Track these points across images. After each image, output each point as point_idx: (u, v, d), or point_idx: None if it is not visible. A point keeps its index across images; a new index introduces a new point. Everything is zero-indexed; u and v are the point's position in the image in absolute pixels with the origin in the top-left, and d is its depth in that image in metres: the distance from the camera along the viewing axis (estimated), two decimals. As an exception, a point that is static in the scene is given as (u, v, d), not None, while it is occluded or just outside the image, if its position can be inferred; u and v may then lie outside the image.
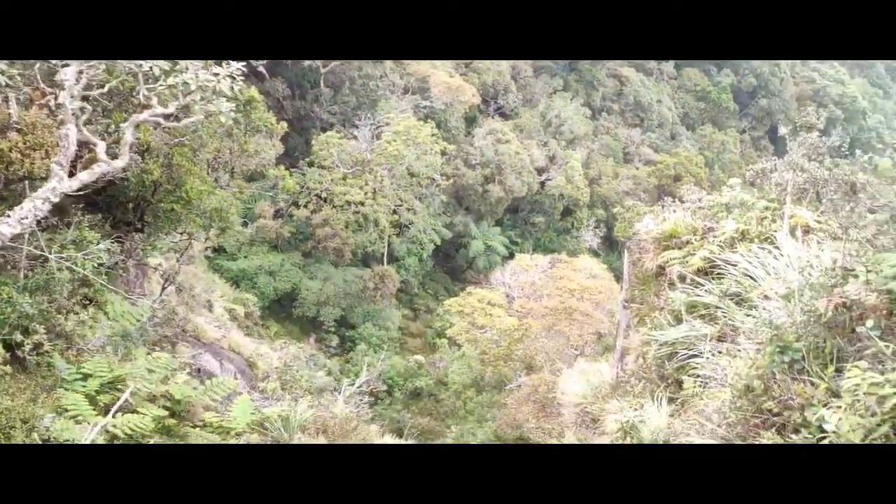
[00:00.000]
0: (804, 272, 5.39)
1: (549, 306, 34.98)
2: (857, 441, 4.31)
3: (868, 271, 5.22)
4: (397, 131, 42.25)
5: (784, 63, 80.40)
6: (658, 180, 59.59)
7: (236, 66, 7.10)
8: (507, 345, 32.91)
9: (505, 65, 60.17)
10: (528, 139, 56.63)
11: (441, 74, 52.55)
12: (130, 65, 7.27)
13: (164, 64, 6.74)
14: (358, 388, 16.56)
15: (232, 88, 7.16)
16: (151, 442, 7.80)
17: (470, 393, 33.66)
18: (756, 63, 79.38)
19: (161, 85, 6.88)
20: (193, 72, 6.74)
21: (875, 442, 4.29)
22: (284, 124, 24.92)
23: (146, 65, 6.95)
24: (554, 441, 17.52)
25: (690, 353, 8.76)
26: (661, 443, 4.44)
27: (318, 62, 46.08)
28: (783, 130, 10.04)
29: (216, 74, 6.94)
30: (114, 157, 7.88)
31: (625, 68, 70.92)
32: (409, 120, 43.79)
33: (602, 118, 66.90)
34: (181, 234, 14.68)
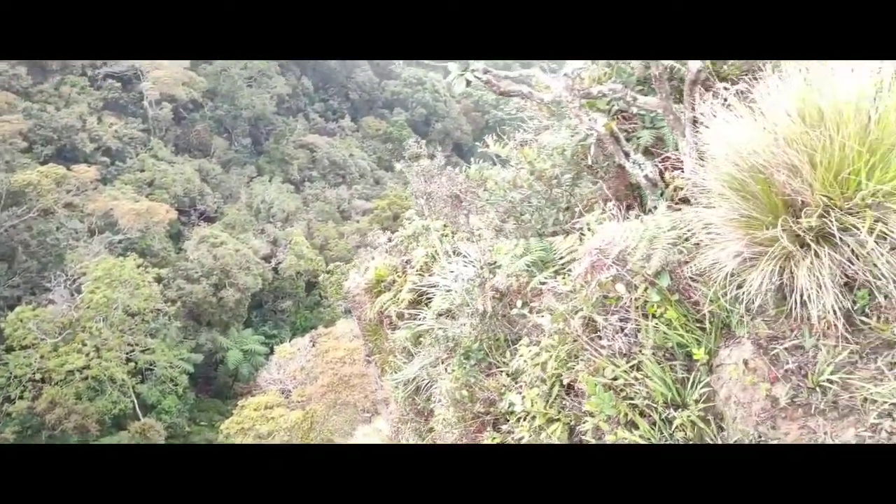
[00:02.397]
0: (458, 279, 5.92)
1: (325, 383, 34.35)
2: (542, 409, 4.79)
3: (511, 258, 5.89)
4: (97, 277, 38.44)
5: (440, 86, 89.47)
6: (380, 224, 62.21)
7: None
8: (300, 440, 31.57)
9: (189, 170, 58.38)
10: (244, 232, 55.50)
11: (125, 202, 49.15)
12: None
13: None
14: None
15: None
16: None
17: (283, 505, 31.58)
18: (419, 94, 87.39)
19: None
20: None
21: (554, 405, 4.80)
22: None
23: None
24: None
25: (430, 380, 9.16)
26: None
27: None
28: (398, 166, 11.11)
29: None
30: None
31: (309, 136, 73.24)
32: (107, 261, 40.16)
33: (306, 188, 68.15)
34: None
